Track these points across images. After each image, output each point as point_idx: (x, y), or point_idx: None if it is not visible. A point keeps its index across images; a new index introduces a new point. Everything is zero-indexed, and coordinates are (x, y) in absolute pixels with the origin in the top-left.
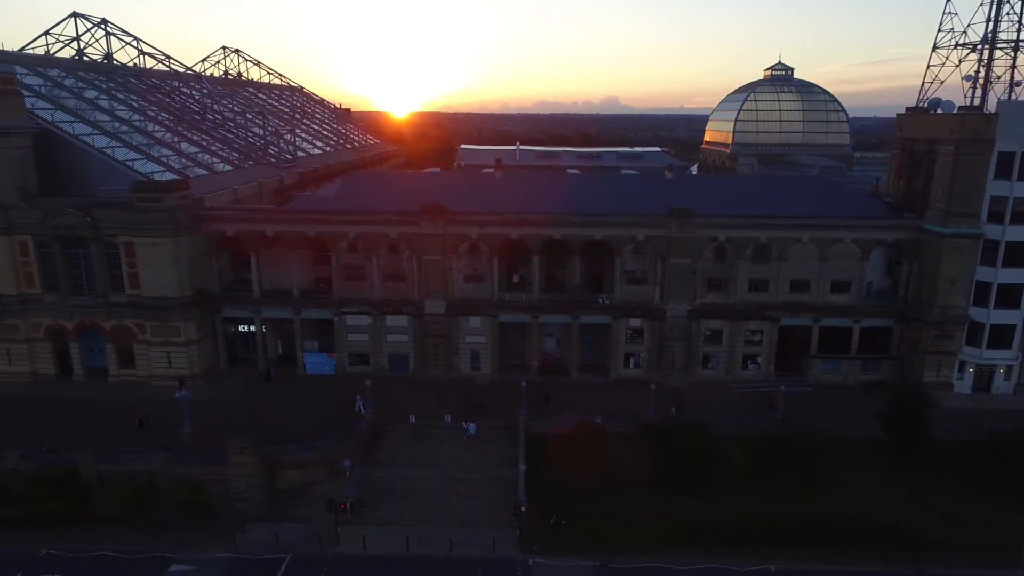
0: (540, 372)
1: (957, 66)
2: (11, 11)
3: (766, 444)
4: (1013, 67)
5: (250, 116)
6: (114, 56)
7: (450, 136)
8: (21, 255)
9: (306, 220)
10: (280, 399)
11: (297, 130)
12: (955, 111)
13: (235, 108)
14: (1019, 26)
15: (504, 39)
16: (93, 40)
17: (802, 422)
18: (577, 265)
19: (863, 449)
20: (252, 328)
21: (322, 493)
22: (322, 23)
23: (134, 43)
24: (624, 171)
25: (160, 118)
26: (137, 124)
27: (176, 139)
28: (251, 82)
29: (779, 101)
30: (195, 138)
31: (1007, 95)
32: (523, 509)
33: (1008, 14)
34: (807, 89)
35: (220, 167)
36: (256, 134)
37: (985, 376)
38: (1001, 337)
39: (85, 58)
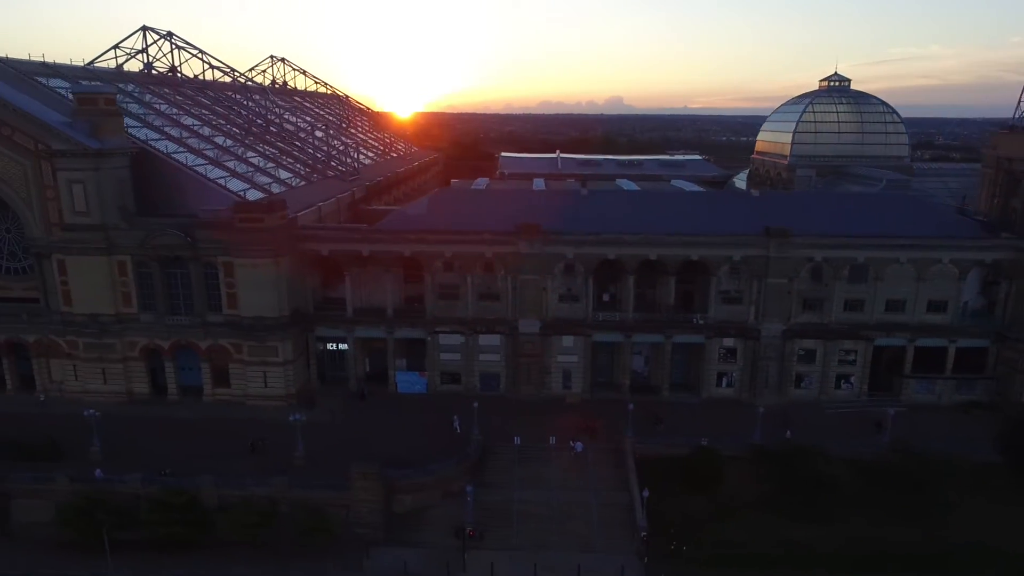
0: (631, 391)
1: None
2: (74, 25)
3: (879, 467)
4: None
5: (314, 128)
6: (178, 68)
7: (458, 137)
8: (120, 275)
9: (402, 239)
10: (378, 420)
11: (357, 142)
12: None
13: (299, 122)
14: None
15: (506, 39)
16: (161, 54)
17: (912, 445)
18: (671, 284)
19: (975, 472)
20: (340, 346)
21: (437, 517)
22: (325, 22)
23: (199, 55)
24: (673, 181)
25: (232, 132)
26: (216, 141)
27: (252, 155)
28: (297, 91)
29: (837, 112)
30: (267, 152)
31: None
32: (644, 535)
33: None
34: (864, 100)
35: (295, 182)
36: (317, 146)
37: None
38: None
39: (153, 71)
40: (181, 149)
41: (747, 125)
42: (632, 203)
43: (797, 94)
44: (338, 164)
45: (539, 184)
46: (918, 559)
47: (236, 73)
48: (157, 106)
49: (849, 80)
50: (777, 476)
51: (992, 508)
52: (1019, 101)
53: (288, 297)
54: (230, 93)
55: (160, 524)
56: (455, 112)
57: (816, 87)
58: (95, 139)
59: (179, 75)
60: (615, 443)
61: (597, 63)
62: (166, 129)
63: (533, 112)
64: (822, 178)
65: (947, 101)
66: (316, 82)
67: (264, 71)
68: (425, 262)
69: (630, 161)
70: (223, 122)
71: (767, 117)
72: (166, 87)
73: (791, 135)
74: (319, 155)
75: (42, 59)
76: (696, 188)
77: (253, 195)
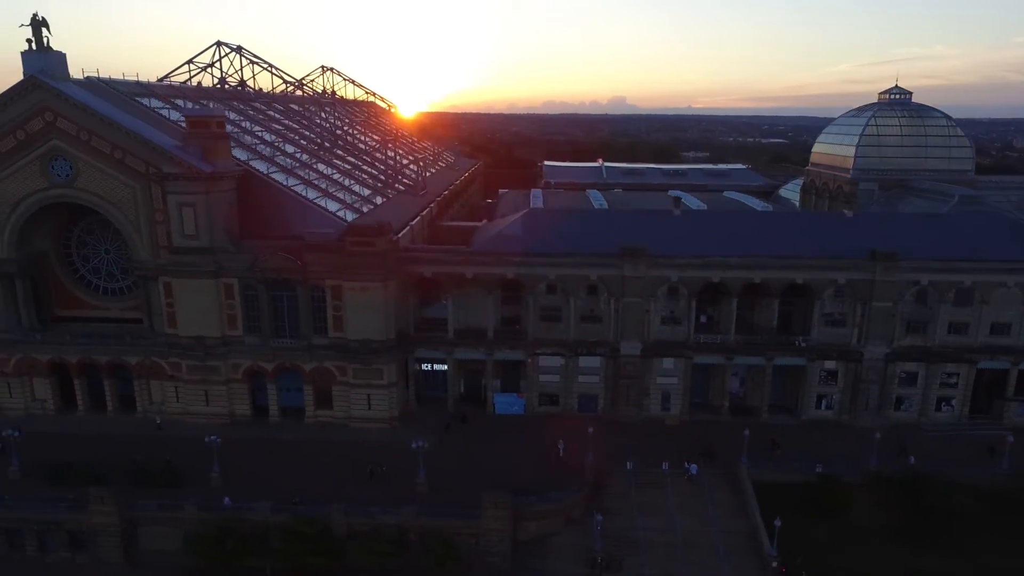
0: (730, 412)
1: None
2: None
3: (1002, 494)
4: None
5: (385, 143)
6: (247, 82)
7: (464, 137)
8: (226, 297)
9: (507, 261)
10: (480, 442)
11: (413, 152)
12: None
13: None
14: None
15: (507, 39)
16: (233, 69)
17: None
18: (772, 306)
19: None
20: (435, 367)
21: (561, 545)
22: (328, 22)
23: (268, 68)
24: (726, 192)
25: (309, 148)
26: (301, 158)
27: (331, 171)
28: (348, 101)
29: (899, 125)
30: (342, 167)
31: None
32: (775, 564)
33: None
34: (926, 113)
35: (377, 199)
36: (384, 159)
37: None
38: None
39: (226, 86)
40: (274, 168)
41: (752, 125)
42: (727, 224)
43: (801, 95)
44: (403, 177)
45: (596, 197)
46: None
47: (300, 85)
48: (241, 123)
49: (910, 93)
50: (900, 503)
51: None
52: None
53: (394, 320)
54: (294, 106)
55: (292, 554)
56: (459, 112)
57: (817, 87)
58: (207, 162)
59: (248, 89)
60: (729, 467)
61: (599, 63)
62: (258, 148)
63: (537, 112)
64: (885, 192)
65: (952, 101)
66: (367, 92)
67: (312, 81)
68: (529, 284)
69: (674, 171)
70: (297, 137)
71: (772, 116)
72: (238, 101)
73: (854, 148)
74: (388, 169)
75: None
76: (762, 204)
77: (348, 215)
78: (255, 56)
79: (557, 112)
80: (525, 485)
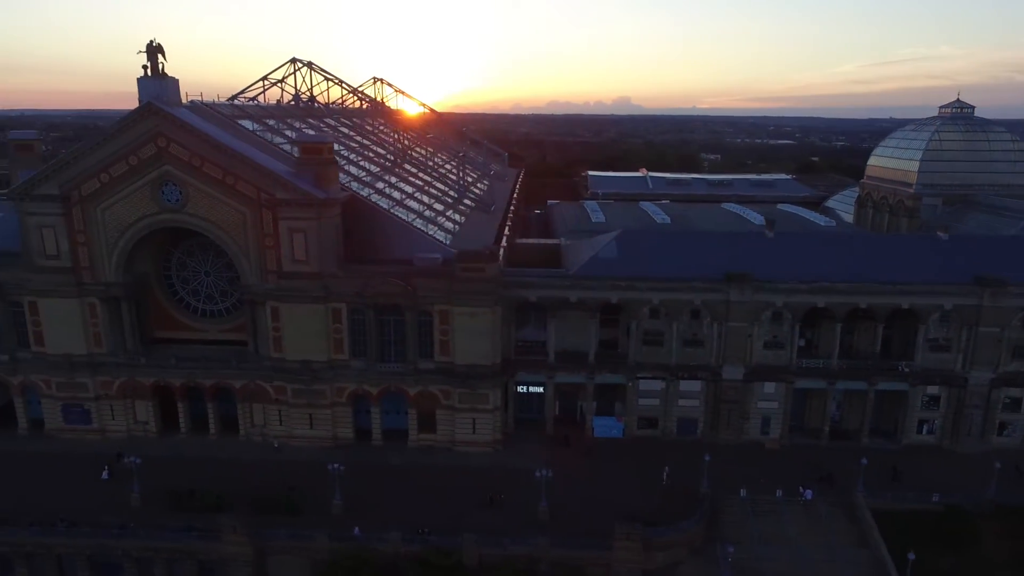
0: (830, 436)
1: None
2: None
3: None
4: None
5: (462, 160)
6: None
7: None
8: (334, 322)
9: (611, 286)
10: (583, 466)
11: (469, 162)
12: None
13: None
14: None
15: (510, 39)
16: (306, 86)
17: None
18: (875, 331)
19: None
20: (531, 389)
21: (687, 575)
22: (331, 21)
23: (337, 83)
24: (780, 205)
25: (384, 165)
26: (387, 179)
27: (414, 190)
28: (398, 111)
29: (963, 140)
30: (415, 183)
31: None
32: None
33: None
34: (989, 127)
35: (455, 217)
36: (451, 174)
37: None
38: None
39: (301, 103)
40: (368, 190)
41: (758, 126)
42: (825, 247)
43: (806, 95)
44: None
45: (656, 211)
46: None
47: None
48: None
49: (973, 107)
50: None
51: None
52: None
53: (500, 344)
54: (356, 119)
55: None
56: (464, 112)
57: (822, 88)
58: (319, 188)
59: (317, 104)
60: (843, 494)
61: (603, 63)
62: (348, 169)
63: (542, 112)
64: (949, 207)
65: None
66: (422, 104)
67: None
68: (632, 308)
69: (719, 181)
70: (371, 154)
71: (778, 117)
72: (313, 118)
73: (917, 162)
74: (455, 183)
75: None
76: (825, 219)
77: (444, 237)
78: (324, 71)
79: (562, 112)
80: (639, 512)
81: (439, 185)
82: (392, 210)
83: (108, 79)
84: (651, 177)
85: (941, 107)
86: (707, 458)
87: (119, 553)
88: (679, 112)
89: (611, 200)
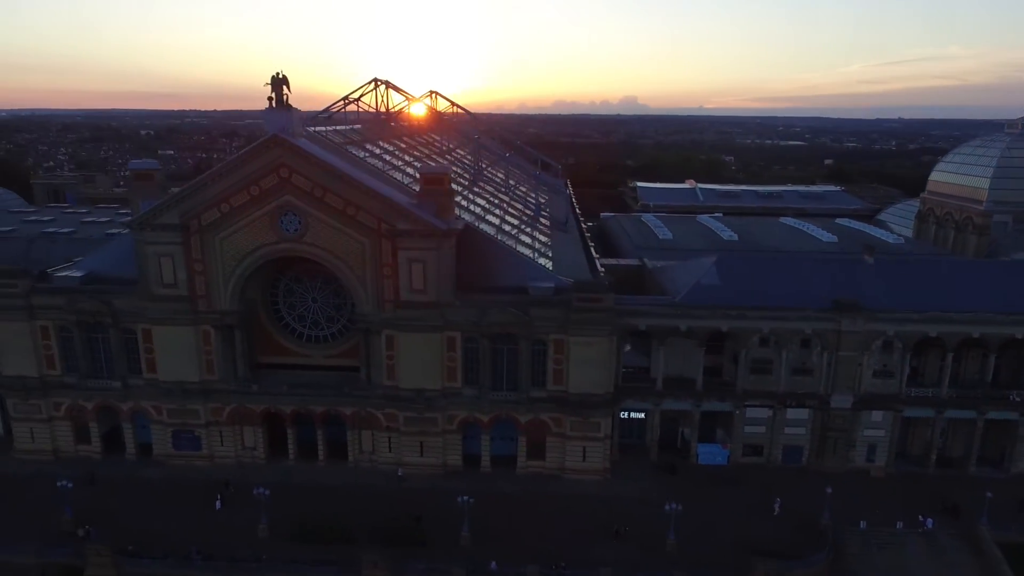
0: (937, 465)
1: None
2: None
3: None
4: None
5: (537, 184)
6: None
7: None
8: (448, 351)
9: (721, 315)
10: (691, 495)
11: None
12: None
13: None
14: None
15: (514, 39)
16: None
17: None
18: (987, 360)
19: None
20: (632, 415)
21: None
22: (334, 21)
23: (409, 98)
24: (837, 220)
25: (465, 184)
26: (475, 201)
27: (500, 211)
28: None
29: None
30: (494, 202)
31: None
32: None
33: None
34: None
35: (541, 237)
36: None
37: None
38: None
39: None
40: (470, 215)
41: (766, 126)
42: (929, 273)
43: (814, 95)
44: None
45: (717, 226)
46: None
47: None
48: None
49: None
50: None
51: None
52: None
53: (612, 373)
54: (428, 136)
55: None
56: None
57: (829, 87)
58: (440, 219)
59: (393, 123)
60: (963, 525)
61: (609, 63)
62: None
63: (548, 112)
64: (1020, 224)
65: (966, 102)
66: (471, 116)
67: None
68: (742, 337)
69: (769, 193)
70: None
71: (786, 117)
72: (396, 138)
73: (987, 179)
74: (530, 202)
75: None
76: (894, 236)
77: (544, 262)
78: (399, 88)
79: (568, 112)
80: (759, 544)
81: (517, 205)
82: (499, 237)
83: (114, 78)
84: (701, 189)
85: (1008, 122)
86: (829, 490)
87: None
88: (686, 112)
89: (664, 213)
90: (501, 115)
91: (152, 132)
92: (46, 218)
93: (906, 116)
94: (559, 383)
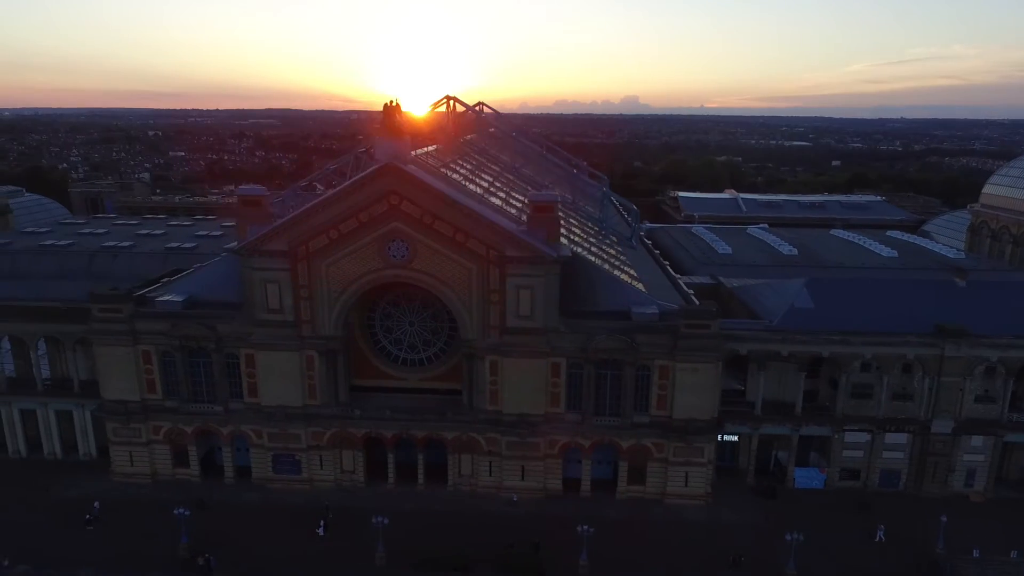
0: None
1: None
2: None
3: None
4: None
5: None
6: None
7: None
8: (552, 376)
9: (824, 340)
10: (788, 521)
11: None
12: None
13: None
14: None
15: (515, 38)
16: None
17: None
18: None
19: None
20: (726, 437)
21: None
22: (335, 21)
23: (476, 112)
24: (889, 232)
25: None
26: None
27: (584, 234)
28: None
29: None
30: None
31: None
32: None
33: None
34: None
35: (622, 258)
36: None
37: None
38: None
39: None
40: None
41: (769, 127)
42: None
43: (817, 94)
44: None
45: (773, 240)
46: None
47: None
48: (494, 184)
49: None
50: None
51: None
52: None
53: (717, 399)
54: (492, 151)
55: None
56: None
57: (831, 87)
58: (550, 247)
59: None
60: None
61: (611, 63)
62: None
63: (550, 111)
64: None
65: (970, 102)
66: (515, 128)
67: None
68: (843, 362)
69: (811, 203)
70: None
71: (789, 117)
72: (468, 158)
73: None
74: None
75: None
76: (954, 251)
77: (637, 287)
78: (463, 102)
79: (570, 112)
80: (875, 572)
81: (587, 223)
82: (594, 260)
83: (114, 77)
84: (742, 199)
85: None
86: (944, 519)
87: None
88: (688, 112)
89: (711, 224)
90: (504, 115)
91: (160, 133)
92: (100, 231)
93: (908, 116)
94: (662, 408)
